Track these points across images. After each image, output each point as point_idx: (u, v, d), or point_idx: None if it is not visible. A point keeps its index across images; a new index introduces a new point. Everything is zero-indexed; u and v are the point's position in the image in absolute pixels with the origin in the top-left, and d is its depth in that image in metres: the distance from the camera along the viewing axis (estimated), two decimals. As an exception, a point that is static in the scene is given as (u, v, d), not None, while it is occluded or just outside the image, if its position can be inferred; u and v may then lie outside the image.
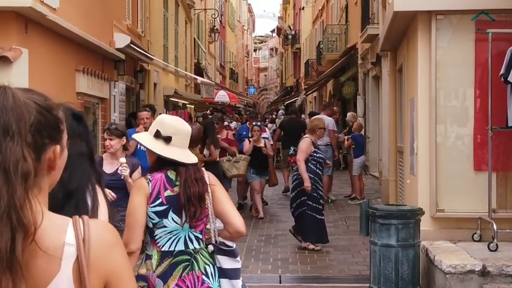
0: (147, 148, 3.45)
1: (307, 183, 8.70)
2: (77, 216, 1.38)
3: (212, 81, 22.47)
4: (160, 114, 18.22)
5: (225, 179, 10.84)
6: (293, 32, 49.00)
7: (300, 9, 45.80)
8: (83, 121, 2.49)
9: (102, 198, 2.50)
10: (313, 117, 12.58)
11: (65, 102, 2.24)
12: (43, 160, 1.34)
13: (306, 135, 9.31)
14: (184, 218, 3.32)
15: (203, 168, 3.54)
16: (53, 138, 1.37)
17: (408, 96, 8.66)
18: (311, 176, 8.78)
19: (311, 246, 8.91)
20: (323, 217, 8.99)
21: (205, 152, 10.45)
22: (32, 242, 1.27)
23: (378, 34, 13.84)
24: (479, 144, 7.30)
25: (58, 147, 1.38)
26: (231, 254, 3.46)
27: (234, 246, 3.48)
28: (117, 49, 12.19)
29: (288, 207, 13.17)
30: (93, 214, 2.36)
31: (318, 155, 8.99)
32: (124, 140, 5.58)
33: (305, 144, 8.98)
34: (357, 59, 19.98)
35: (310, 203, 8.84)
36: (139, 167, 5.60)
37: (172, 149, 3.38)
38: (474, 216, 7.14)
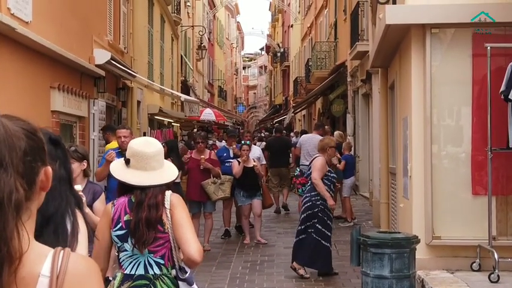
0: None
1: (331, 202, 8.13)
2: (60, 248, 1.40)
3: (197, 99, 21.97)
4: (144, 133, 17.75)
5: (208, 202, 10.33)
6: (282, 50, 48.79)
7: (288, 26, 45.60)
8: (60, 145, 2.48)
9: (83, 223, 2.51)
10: (323, 136, 11.96)
11: (43, 127, 2.08)
12: (37, 183, 1.38)
13: (318, 154, 8.59)
14: (132, 243, 3.34)
15: (168, 192, 3.42)
16: (42, 160, 1.40)
17: (401, 114, 8.20)
18: (319, 197, 8.23)
19: (301, 271, 8.33)
20: (329, 244, 8.32)
21: None
22: (15, 270, 1.30)
23: (368, 51, 13.50)
24: (478, 166, 6.84)
25: (49, 167, 1.42)
26: (186, 280, 3.39)
27: (188, 274, 3.38)
28: (97, 65, 11.67)
29: (275, 231, 12.76)
30: (73, 239, 2.36)
31: (332, 175, 8.45)
32: (85, 164, 4.98)
33: (320, 162, 8.30)
34: (346, 77, 19.62)
35: (319, 226, 8.22)
36: (103, 194, 5.03)
37: (130, 172, 3.40)
38: (473, 244, 6.67)
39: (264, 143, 18.97)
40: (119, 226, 3.37)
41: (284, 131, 21.33)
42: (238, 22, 69.35)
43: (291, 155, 15.18)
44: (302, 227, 8.36)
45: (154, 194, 3.34)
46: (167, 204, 3.35)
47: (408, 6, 6.92)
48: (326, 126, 17.92)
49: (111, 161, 7.10)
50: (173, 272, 3.37)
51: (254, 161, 10.82)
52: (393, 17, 6.86)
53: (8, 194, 1.29)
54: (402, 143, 7.96)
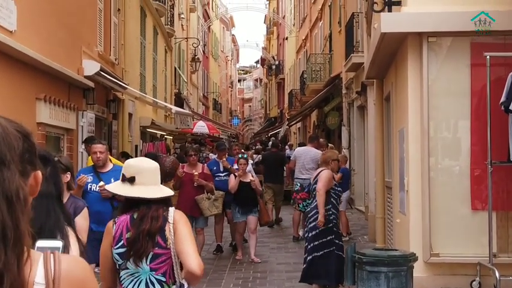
0: (115, 194, 3.60)
1: (322, 218, 7.65)
2: (49, 252, 1.39)
3: (189, 112, 21.69)
4: (135, 145, 17.46)
5: (201, 218, 10.02)
6: (277, 62, 48.64)
7: (283, 39, 45.46)
8: (50, 161, 2.50)
9: (74, 239, 2.52)
10: (326, 150, 11.69)
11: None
12: (28, 187, 1.36)
13: (323, 168, 8.21)
14: (127, 254, 3.34)
15: (171, 208, 3.49)
16: (33, 164, 1.39)
17: (397, 126, 7.94)
18: (333, 211, 7.88)
19: None
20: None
21: None
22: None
23: (363, 63, 13.27)
24: (477, 180, 6.57)
25: (39, 172, 1.41)
26: None
27: None
28: (86, 77, 11.40)
29: (268, 246, 12.44)
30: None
31: (338, 189, 8.15)
32: (68, 176, 4.67)
33: (327, 174, 7.97)
34: (341, 89, 19.40)
35: (337, 242, 7.85)
36: (85, 209, 4.72)
37: (136, 188, 3.43)
38: (473, 262, 6.39)
39: (260, 156, 18.80)
40: (120, 244, 3.37)
41: (280, 145, 21.18)
42: (233, 35, 69.36)
43: (285, 170, 14.94)
44: (316, 243, 7.87)
45: (157, 207, 3.41)
46: (170, 219, 3.40)
47: (404, 14, 6.67)
48: (321, 139, 17.70)
49: (82, 186, 6.78)
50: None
51: (252, 176, 10.40)
52: (389, 25, 6.60)
53: (16, 192, 1.29)
54: (398, 156, 7.69)
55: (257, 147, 28.54)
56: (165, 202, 3.48)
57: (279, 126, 37.96)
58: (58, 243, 1.66)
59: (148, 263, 3.34)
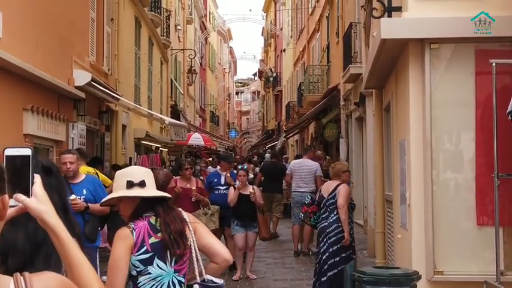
0: (125, 198, 3.48)
1: (348, 236, 7.81)
2: (18, 274, 1.38)
3: (183, 123, 21.38)
4: (130, 158, 17.12)
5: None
6: (274, 75, 48.41)
7: (281, 51, 45.26)
8: (53, 172, 2.43)
9: (79, 250, 2.24)
10: (335, 162, 11.47)
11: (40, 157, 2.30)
12: None
13: (338, 182, 8.21)
14: (169, 259, 3.38)
15: (180, 209, 3.61)
16: (1, 189, 1.40)
17: (397, 138, 7.62)
18: (352, 225, 8.02)
19: None
20: None
21: None
22: None
23: (361, 74, 13.01)
24: (483, 193, 6.23)
25: (6, 196, 1.41)
26: None
27: (222, 282, 3.57)
28: (77, 87, 11.09)
29: (265, 261, 12.07)
30: None
31: (353, 203, 8.28)
32: None
33: (346, 188, 8.08)
34: (339, 100, 19.11)
35: (354, 257, 8.01)
36: None
37: (149, 191, 3.49)
38: (479, 280, 6.02)
39: (257, 169, 18.61)
40: (143, 250, 3.37)
41: (279, 156, 20.94)
42: (230, 47, 69.20)
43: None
44: (336, 258, 7.85)
45: (172, 209, 3.52)
46: (187, 219, 3.53)
47: (405, 19, 6.35)
48: (319, 151, 17.43)
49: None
50: (195, 286, 3.49)
51: (252, 188, 9.93)
52: (389, 31, 6.28)
53: None
54: (399, 168, 7.36)
55: (254, 159, 28.25)
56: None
57: (276, 138, 37.67)
58: (27, 151, 1.61)
59: (173, 264, 3.41)
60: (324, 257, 7.92)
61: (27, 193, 1.65)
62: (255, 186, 10.21)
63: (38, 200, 1.67)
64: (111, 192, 9.36)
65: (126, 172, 3.62)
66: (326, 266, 7.85)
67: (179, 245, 3.40)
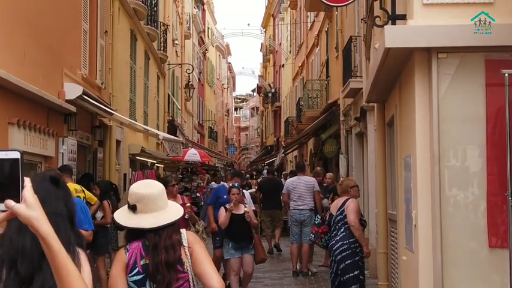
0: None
1: (367, 249, 7.92)
2: None
3: (177, 138, 20.97)
4: (124, 174, 16.69)
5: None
6: (273, 90, 48.13)
7: (280, 66, 45.01)
8: (60, 184, 2.47)
9: (86, 262, 2.43)
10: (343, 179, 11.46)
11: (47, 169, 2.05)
12: None
13: (346, 197, 8.15)
14: (151, 286, 3.31)
15: (182, 230, 3.48)
16: None
17: (402, 154, 7.21)
18: (358, 243, 7.98)
19: None
20: None
21: (98, 214, 9.63)
22: None
23: (361, 88, 12.65)
24: (495, 213, 5.80)
25: None
26: None
27: None
28: (67, 101, 10.68)
29: (262, 282, 11.61)
30: None
31: (363, 219, 8.32)
32: None
33: (355, 204, 8.04)
34: (339, 116, 18.73)
35: (362, 277, 7.96)
36: None
37: (138, 217, 3.37)
38: (491, 306, 5.60)
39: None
40: (135, 271, 3.36)
41: (276, 173, 20.77)
42: (229, 63, 69.06)
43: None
44: (346, 276, 7.77)
45: (168, 234, 3.36)
46: (185, 243, 3.40)
47: (411, 27, 5.96)
48: (318, 168, 17.11)
49: None
50: None
51: (245, 207, 9.26)
52: (394, 40, 5.88)
53: None
54: (404, 186, 6.94)
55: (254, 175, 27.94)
56: (174, 225, 3.43)
57: (275, 154, 37.29)
58: (16, 154, 1.60)
59: None
60: (332, 278, 8.00)
61: (17, 198, 1.61)
62: (247, 205, 9.63)
63: (28, 206, 1.61)
64: (95, 211, 9.04)
65: (130, 190, 3.50)
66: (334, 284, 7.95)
67: (164, 276, 3.30)
